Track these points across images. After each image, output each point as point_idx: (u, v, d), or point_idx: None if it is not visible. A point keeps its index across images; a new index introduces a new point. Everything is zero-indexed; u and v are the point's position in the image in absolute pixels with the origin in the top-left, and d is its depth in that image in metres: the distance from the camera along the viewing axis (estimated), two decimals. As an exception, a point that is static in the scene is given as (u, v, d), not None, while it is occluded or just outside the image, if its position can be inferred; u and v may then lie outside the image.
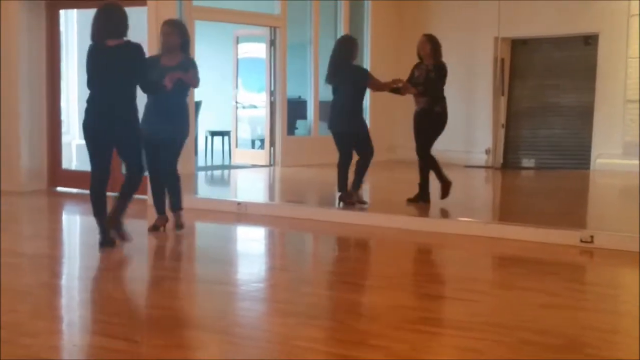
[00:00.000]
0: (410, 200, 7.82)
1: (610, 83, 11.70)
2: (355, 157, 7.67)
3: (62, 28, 10.28)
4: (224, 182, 11.51)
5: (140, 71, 5.80)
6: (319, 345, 3.69)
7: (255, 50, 12.60)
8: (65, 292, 5.00)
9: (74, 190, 9.47)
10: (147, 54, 6.89)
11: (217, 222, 7.56)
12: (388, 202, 7.68)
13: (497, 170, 12.22)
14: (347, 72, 7.53)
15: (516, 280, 5.22)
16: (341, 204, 7.62)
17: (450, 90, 8.02)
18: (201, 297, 4.83)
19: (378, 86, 7.78)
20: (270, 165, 11.95)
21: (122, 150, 5.93)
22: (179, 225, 6.63)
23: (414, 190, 7.85)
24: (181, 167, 6.79)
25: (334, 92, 7.71)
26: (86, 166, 9.97)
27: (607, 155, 11.67)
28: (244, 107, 12.79)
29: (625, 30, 11.48)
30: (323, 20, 12.47)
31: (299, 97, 12.68)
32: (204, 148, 13.09)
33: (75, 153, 11.02)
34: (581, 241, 6.10)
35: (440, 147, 8.10)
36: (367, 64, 12.39)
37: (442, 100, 7.68)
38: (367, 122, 8.30)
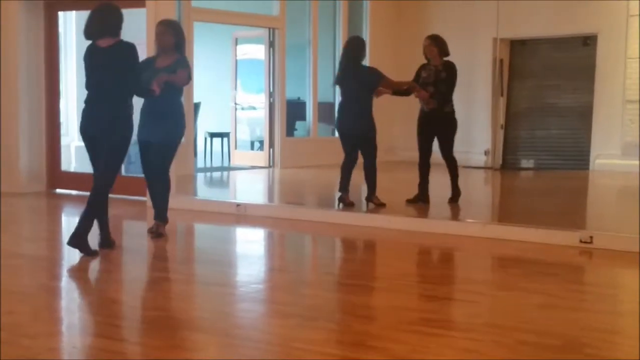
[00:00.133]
0: (410, 201, 7.83)
1: (609, 83, 11.71)
2: (359, 159, 7.69)
3: (60, 29, 10.27)
4: (223, 183, 11.50)
5: (131, 72, 5.71)
6: (318, 346, 3.68)
7: (254, 51, 12.61)
8: (65, 294, 4.99)
9: (73, 192, 9.47)
10: (147, 56, 6.90)
11: (216, 223, 7.55)
12: (387, 203, 7.67)
13: (496, 171, 12.23)
14: (357, 73, 7.52)
15: (515, 281, 5.22)
16: (341, 204, 7.62)
17: (449, 91, 8.02)
18: (200, 299, 4.82)
19: (390, 86, 7.67)
20: (269, 166, 11.96)
21: (103, 150, 5.70)
22: (157, 233, 6.37)
23: (414, 191, 7.85)
24: (180, 168, 6.77)
25: (343, 93, 7.72)
26: (85, 168, 10.04)
27: (606, 155, 11.68)
28: (243, 109, 12.79)
29: (624, 30, 11.49)
30: (322, 21, 12.47)
31: (298, 98, 12.69)
32: (203, 149, 13.09)
33: (74, 155, 11.01)
34: (580, 242, 6.10)
35: (435, 148, 8.09)
36: (365, 64, 12.37)
37: (451, 101, 7.67)
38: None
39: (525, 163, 12.53)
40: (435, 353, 3.60)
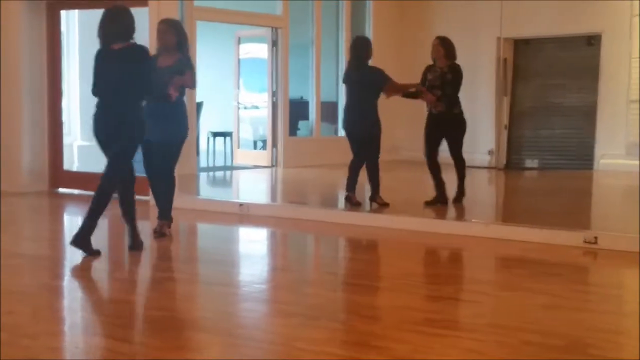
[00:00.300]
0: (428, 203, 7.77)
1: (613, 83, 11.68)
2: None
3: (63, 29, 10.27)
4: (225, 183, 11.49)
5: (145, 75, 5.70)
6: (321, 346, 3.66)
7: (257, 50, 12.60)
8: (67, 294, 4.98)
9: (76, 192, 9.46)
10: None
11: (219, 223, 7.54)
12: (391, 202, 7.65)
13: (500, 171, 12.21)
14: (363, 73, 7.52)
15: (519, 281, 5.20)
16: (347, 204, 7.61)
17: (453, 91, 8.00)
18: (203, 299, 4.81)
19: (396, 89, 7.66)
20: (272, 166, 11.94)
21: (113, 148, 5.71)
22: (160, 233, 6.38)
23: (417, 190, 7.84)
24: (183, 168, 6.75)
25: (348, 93, 7.71)
26: (88, 167, 10.04)
27: (611, 155, 11.65)
28: (245, 108, 12.79)
29: (628, 30, 11.45)
30: (325, 20, 12.46)
31: (301, 97, 12.68)
32: (205, 149, 13.09)
33: (76, 154, 11.01)
34: (585, 242, 6.08)
35: (444, 148, 8.08)
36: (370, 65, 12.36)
37: (458, 101, 7.66)
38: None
39: (530, 163, 12.50)
40: (438, 353, 3.58)
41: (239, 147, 12.75)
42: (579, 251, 6.02)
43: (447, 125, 7.66)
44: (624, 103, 11.54)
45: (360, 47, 7.66)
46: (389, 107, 11.52)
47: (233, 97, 12.83)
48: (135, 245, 5.86)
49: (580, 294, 4.87)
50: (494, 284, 5.28)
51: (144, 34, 8.07)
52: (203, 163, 12.48)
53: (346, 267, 5.88)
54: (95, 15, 9.67)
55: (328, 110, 12.76)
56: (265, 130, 12.19)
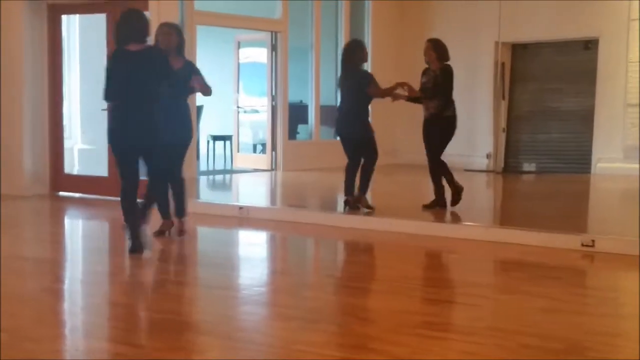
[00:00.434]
0: (427, 207, 7.78)
1: (610, 87, 11.71)
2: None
3: (64, 33, 10.29)
4: (225, 186, 11.51)
5: (165, 74, 5.86)
6: (320, 349, 3.69)
7: (257, 54, 12.63)
8: (68, 297, 5.00)
9: (76, 195, 9.48)
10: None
11: (219, 226, 7.57)
12: (390, 206, 7.68)
13: (498, 174, 12.23)
14: (351, 77, 7.54)
15: (517, 284, 5.22)
16: (346, 207, 7.62)
17: (451, 94, 8.03)
18: (203, 301, 4.84)
19: (377, 92, 7.61)
20: (271, 169, 11.97)
21: (150, 156, 5.90)
22: (181, 232, 6.61)
23: (416, 194, 7.86)
24: (183, 171, 6.78)
25: (341, 97, 7.73)
26: (88, 171, 10.06)
27: (608, 159, 11.68)
28: (245, 112, 12.82)
29: (625, 34, 11.49)
30: (324, 24, 12.48)
31: (301, 101, 12.70)
32: (205, 152, 13.11)
33: (77, 158, 11.03)
34: (582, 245, 6.11)
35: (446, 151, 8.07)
36: (367, 65, 12.39)
37: (451, 103, 7.65)
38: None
39: (527, 166, 12.53)
40: (436, 356, 3.61)
41: (238, 151, 12.78)
42: (576, 254, 6.05)
43: (436, 127, 7.64)
44: (621, 107, 11.57)
45: (351, 51, 7.67)
46: (388, 111, 11.60)
47: (233, 101, 12.86)
48: (137, 247, 5.89)
49: (578, 297, 4.89)
50: (492, 287, 5.31)
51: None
52: (203, 166, 12.51)
53: (345, 270, 5.91)
54: (96, 20, 9.75)
55: (327, 114, 12.76)
56: (265, 134, 12.21)
